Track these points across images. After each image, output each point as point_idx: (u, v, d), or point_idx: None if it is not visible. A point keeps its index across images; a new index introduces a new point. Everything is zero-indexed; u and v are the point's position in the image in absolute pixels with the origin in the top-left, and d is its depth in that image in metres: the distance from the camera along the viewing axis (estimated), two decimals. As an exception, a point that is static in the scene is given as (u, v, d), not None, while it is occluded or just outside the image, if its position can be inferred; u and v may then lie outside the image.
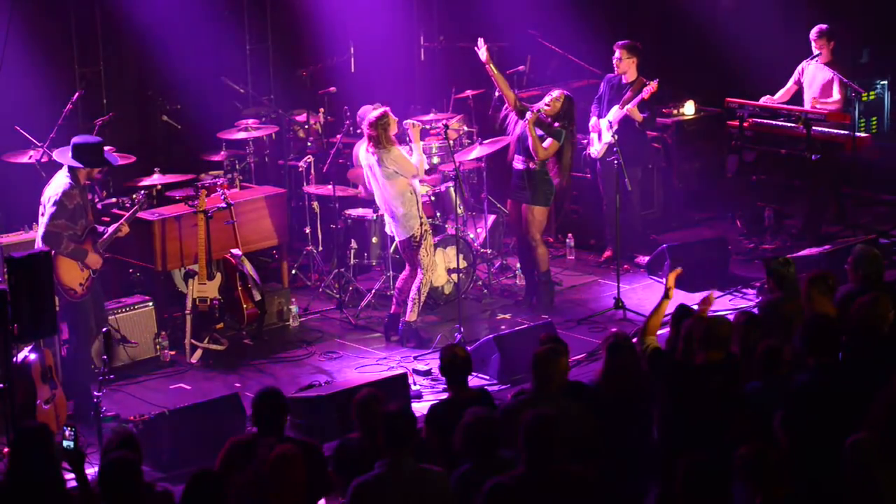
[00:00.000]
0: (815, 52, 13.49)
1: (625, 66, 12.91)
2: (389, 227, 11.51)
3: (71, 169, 10.01)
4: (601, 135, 12.86)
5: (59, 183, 10.02)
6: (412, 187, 11.27)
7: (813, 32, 13.46)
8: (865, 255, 9.21)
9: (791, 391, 7.47)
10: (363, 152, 11.46)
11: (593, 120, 13.02)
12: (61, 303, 9.93)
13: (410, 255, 11.40)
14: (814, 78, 13.61)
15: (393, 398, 8.18)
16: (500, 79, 11.96)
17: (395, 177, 11.14)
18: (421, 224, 11.27)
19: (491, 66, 11.85)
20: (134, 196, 11.43)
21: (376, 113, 11.21)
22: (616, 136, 12.22)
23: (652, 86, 12.73)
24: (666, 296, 8.34)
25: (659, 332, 8.33)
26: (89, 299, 10.24)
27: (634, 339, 8.23)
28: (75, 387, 10.15)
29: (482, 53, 11.81)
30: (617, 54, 12.93)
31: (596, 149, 13.03)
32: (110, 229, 10.35)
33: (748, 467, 6.53)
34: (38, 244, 9.99)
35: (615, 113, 12.83)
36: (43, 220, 9.98)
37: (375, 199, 11.53)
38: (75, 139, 10.18)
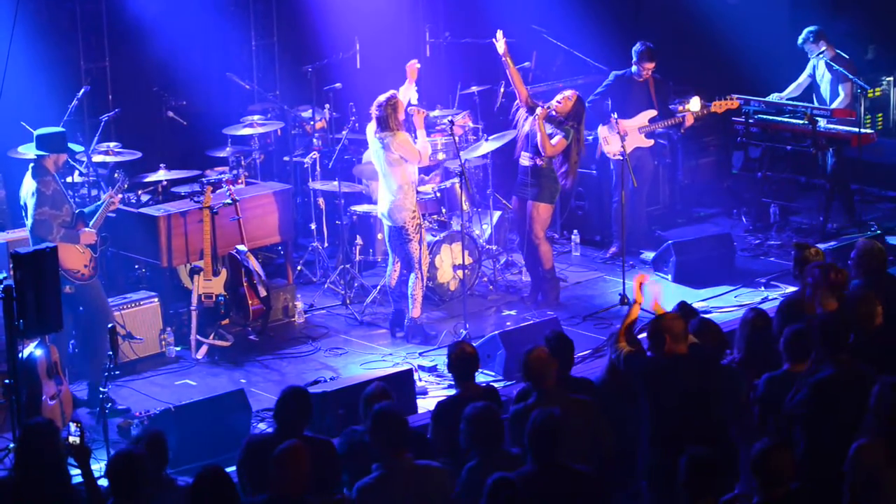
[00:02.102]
0: (816, 51, 13.57)
1: (649, 71, 13.00)
2: (380, 213, 11.48)
3: (38, 162, 10.17)
4: (628, 137, 12.74)
5: (29, 175, 10.20)
6: (413, 180, 11.25)
7: (801, 42, 13.62)
8: (868, 249, 9.19)
9: (810, 388, 7.47)
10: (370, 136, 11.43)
11: (614, 117, 12.81)
12: (75, 288, 10.11)
13: (400, 246, 11.37)
14: (823, 75, 13.65)
15: (398, 394, 8.19)
16: (514, 73, 11.94)
17: (400, 164, 11.11)
18: (413, 218, 11.24)
19: (508, 59, 11.84)
20: (116, 174, 11.43)
21: (386, 94, 11.19)
22: (653, 141, 12.48)
23: (731, 103, 13.17)
24: (634, 301, 8.27)
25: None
26: (98, 281, 10.37)
27: (641, 336, 8.22)
28: (94, 372, 10.30)
29: (500, 46, 11.80)
30: (639, 65, 12.95)
31: (615, 149, 12.90)
32: (100, 210, 10.48)
33: (754, 463, 6.55)
34: (30, 240, 10.14)
35: (659, 121, 13.05)
36: (28, 214, 10.12)
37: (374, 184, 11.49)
38: (38, 131, 10.32)
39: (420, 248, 11.28)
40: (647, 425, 7.70)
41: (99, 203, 10.58)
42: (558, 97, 11.84)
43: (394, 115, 11.08)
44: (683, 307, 8.61)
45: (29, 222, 10.12)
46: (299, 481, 6.77)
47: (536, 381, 7.75)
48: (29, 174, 10.21)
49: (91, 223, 10.34)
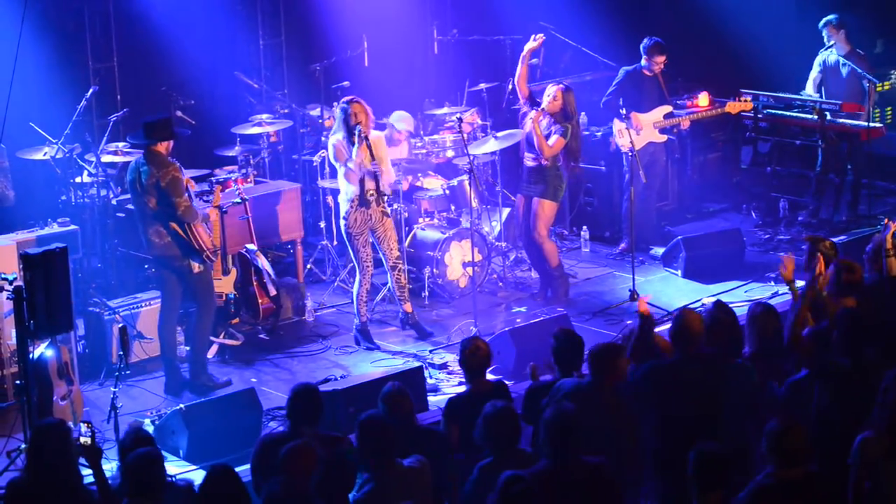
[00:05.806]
0: (829, 42, 13.55)
1: (661, 65, 13.01)
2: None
3: (150, 150, 10.15)
4: (642, 132, 12.75)
5: (148, 165, 10.12)
6: (351, 188, 11.18)
7: (823, 23, 13.57)
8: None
9: (825, 382, 7.47)
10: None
11: (625, 112, 12.83)
12: (203, 268, 10.37)
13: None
14: (836, 69, 13.60)
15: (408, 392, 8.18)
16: (522, 71, 11.85)
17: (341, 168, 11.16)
18: (344, 226, 11.22)
19: (526, 56, 11.79)
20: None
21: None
22: (666, 137, 12.67)
23: (746, 104, 13.30)
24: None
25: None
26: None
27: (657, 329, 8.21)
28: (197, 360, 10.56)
29: (531, 44, 11.75)
30: (650, 59, 12.95)
31: (626, 141, 12.82)
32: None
33: (769, 443, 6.53)
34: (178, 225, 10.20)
35: (672, 118, 13.12)
36: (172, 204, 10.07)
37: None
38: (145, 120, 10.28)
39: (358, 255, 11.25)
40: (651, 423, 7.70)
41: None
42: (545, 98, 11.73)
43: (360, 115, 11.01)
44: (721, 306, 8.47)
45: (177, 212, 10.10)
46: (307, 480, 6.77)
47: (604, 371, 7.66)
48: (147, 165, 10.13)
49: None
